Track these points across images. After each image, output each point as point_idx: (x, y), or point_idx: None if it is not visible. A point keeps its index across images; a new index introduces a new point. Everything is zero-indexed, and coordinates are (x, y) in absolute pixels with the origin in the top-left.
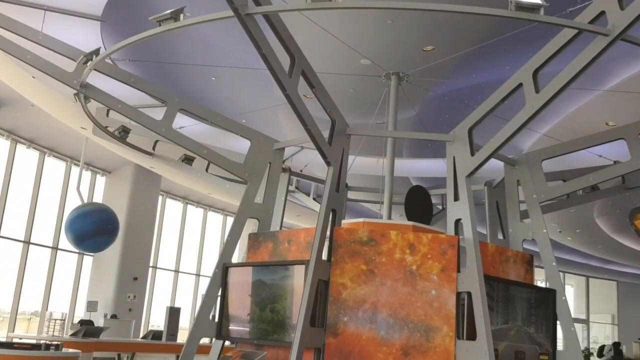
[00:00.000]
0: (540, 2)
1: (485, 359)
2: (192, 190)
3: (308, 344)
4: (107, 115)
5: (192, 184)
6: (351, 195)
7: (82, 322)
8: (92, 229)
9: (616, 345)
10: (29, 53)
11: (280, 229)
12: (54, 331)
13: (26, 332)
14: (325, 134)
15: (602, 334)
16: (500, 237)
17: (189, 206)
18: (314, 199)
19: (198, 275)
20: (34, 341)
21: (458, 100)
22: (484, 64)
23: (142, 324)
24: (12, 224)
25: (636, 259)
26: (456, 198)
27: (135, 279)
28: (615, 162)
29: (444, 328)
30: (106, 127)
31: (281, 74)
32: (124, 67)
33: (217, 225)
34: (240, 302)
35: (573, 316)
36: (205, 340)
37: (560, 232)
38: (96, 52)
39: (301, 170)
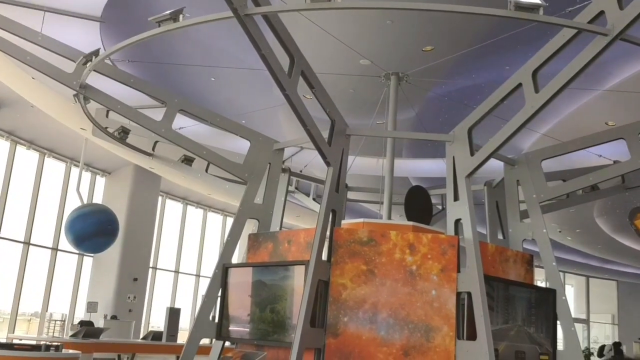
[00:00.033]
0: (540, 2)
1: (486, 359)
2: (191, 190)
3: (308, 345)
4: (107, 116)
5: (191, 184)
6: (351, 195)
7: (82, 323)
8: (92, 230)
9: (616, 345)
10: (28, 54)
11: (280, 229)
12: (54, 332)
13: (26, 333)
14: (325, 134)
15: (603, 333)
16: (500, 237)
17: (188, 207)
18: (313, 199)
19: (198, 275)
20: (34, 342)
21: (457, 100)
22: (484, 64)
23: (142, 324)
24: (12, 225)
25: (636, 258)
26: (456, 198)
27: (135, 279)
28: (615, 162)
29: (444, 328)
30: (106, 127)
31: (280, 74)
32: (123, 68)
33: (217, 226)
34: (240, 303)
35: (573, 316)
36: (205, 341)
37: (560, 232)
38: (95, 52)
39: (301, 171)
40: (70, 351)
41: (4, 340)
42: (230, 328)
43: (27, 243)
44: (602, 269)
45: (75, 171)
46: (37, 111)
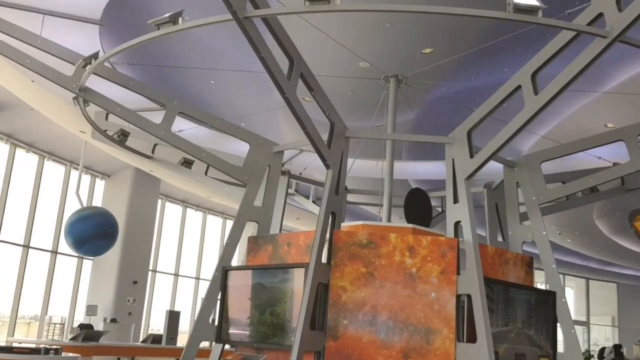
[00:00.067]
0: (539, 4)
1: None
2: (191, 193)
3: (308, 347)
4: (106, 118)
5: (191, 187)
6: (350, 197)
7: (82, 326)
8: (91, 233)
9: (617, 348)
10: (28, 57)
11: (280, 231)
12: (53, 335)
13: (26, 336)
14: (325, 136)
15: (603, 336)
16: (499, 239)
17: (188, 209)
18: (313, 201)
19: (198, 278)
20: (33, 345)
21: (457, 102)
22: (483, 66)
23: (142, 327)
24: (11, 228)
25: (636, 260)
26: (455, 200)
27: (135, 282)
28: (614, 164)
29: (444, 330)
30: (105, 130)
31: (280, 77)
32: (122, 71)
33: (217, 229)
34: (240, 306)
35: (573, 318)
36: (205, 344)
37: (559, 234)
38: (95, 55)
39: (300, 173)
40: (70, 354)
41: (3, 344)
42: (230, 331)
43: (26, 246)
44: (602, 271)
45: (74, 174)
46: (37, 114)
